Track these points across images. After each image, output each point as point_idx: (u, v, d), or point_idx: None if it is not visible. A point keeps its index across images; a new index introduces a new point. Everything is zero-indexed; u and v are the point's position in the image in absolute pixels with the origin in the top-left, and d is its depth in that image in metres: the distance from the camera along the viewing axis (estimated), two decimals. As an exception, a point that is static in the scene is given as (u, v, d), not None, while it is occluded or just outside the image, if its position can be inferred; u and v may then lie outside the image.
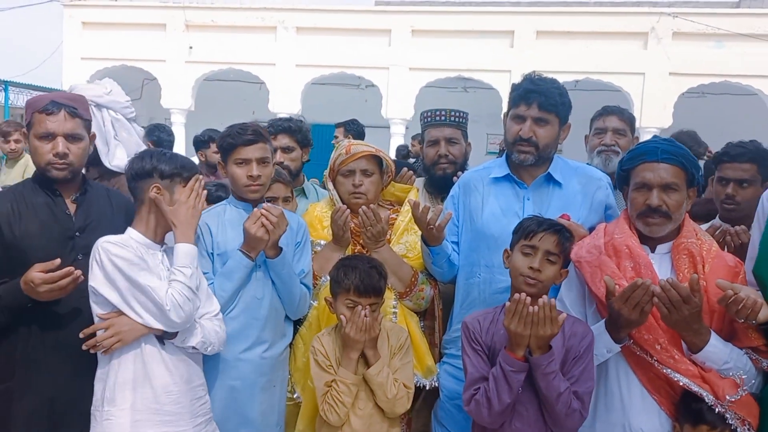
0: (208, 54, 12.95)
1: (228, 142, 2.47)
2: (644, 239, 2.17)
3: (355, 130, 5.84)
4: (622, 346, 2.08)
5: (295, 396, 2.60)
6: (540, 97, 2.40)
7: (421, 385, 2.55)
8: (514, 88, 2.51)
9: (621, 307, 1.96)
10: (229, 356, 2.40)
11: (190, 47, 13.02)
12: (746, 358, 2.02)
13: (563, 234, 2.12)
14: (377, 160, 2.69)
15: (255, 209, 2.39)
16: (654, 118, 11.95)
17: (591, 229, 2.32)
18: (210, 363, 2.36)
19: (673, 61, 11.99)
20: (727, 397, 1.95)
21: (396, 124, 12.57)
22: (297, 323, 2.64)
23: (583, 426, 2.11)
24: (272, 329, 2.49)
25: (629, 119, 3.21)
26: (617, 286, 2.00)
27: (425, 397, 2.66)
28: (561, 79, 2.77)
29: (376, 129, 13.55)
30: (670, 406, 2.08)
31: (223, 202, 2.61)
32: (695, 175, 2.16)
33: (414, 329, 2.59)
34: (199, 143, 5.37)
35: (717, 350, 2.00)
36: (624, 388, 2.13)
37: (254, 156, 2.44)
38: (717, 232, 2.52)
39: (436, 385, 2.59)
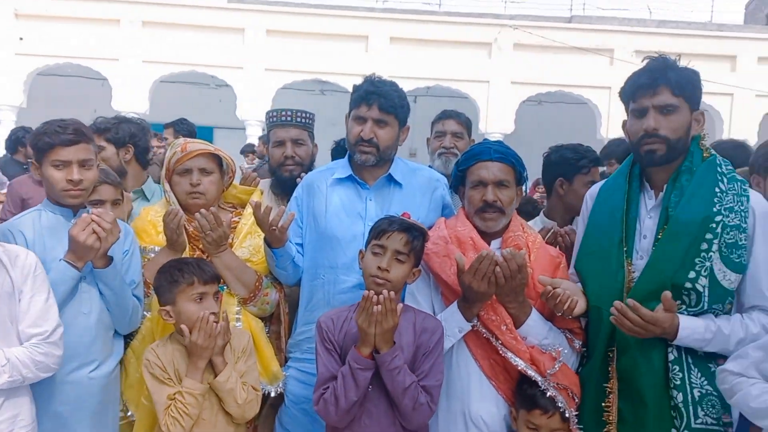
0: (41, 46, 11.89)
1: (44, 141, 2.22)
2: (480, 235, 2.29)
3: (186, 129, 5.50)
4: (468, 331, 2.17)
5: (128, 414, 2.42)
6: (380, 99, 2.43)
7: (267, 392, 2.48)
8: (355, 89, 2.52)
9: (471, 280, 2.07)
10: (54, 379, 2.16)
11: (20, 38, 11.89)
12: (563, 337, 2.22)
13: (412, 233, 2.15)
14: (217, 159, 2.58)
15: (84, 215, 2.19)
16: (498, 124, 12.72)
17: (429, 228, 2.39)
18: (34, 388, 2.12)
19: (514, 70, 12.84)
20: (548, 371, 2.12)
21: (252, 126, 12.32)
22: (128, 336, 2.46)
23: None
24: (101, 346, 2.29)
25: (466, 123, 3.35)
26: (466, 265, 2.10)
27: (272, 404, 2.60)
28: (413, 85, 2.85)
29: (232, 130, 13.21)
30: (508, 392, 2.21)
31: (37, 207, 2.36)
32: (522, 174, 2.32)
33: (259, 335, 2.51)
34: (18, 142, 4.84)
35: (537, 325, 2.17)
36: (464, 376, 2.22)
37: (75, 158, 2.23)
38: (549, 234, 2.69)
39: (282, 391, 2.53)
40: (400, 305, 2.03)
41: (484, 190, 2.24)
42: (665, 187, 2.11)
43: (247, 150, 9.91)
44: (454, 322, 2.17)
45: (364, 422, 2.09)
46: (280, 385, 2.53)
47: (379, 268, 2.09)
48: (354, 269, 2.38)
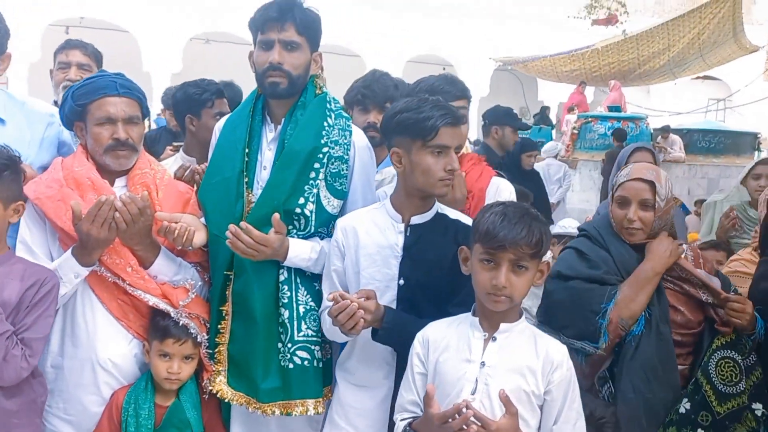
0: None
1: None
2: (103, 173, 2.19)
3: None
4: (90, 275, 2.08)
5: None
6: None
7: None
8: None
9: (89, 228, 1.97)
10: None
11: None
12: (194, 270, 2.27)
13: None
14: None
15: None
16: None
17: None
18: None
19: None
20: (180, 303, 2.16)
21: None
22: None
23: (53, 367, 2.13)
24: None
25: (94, 54, 3.09)
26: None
27: None
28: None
29: None
30: (140, 329, 2.19)
31: None
32: (147, 108, 2.30)
33: None
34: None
35: (166, 263, 2.19)
36: (90, 321, 2.14)
37: None
38: (187, 173, 2.64)
39: None
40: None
41: (114, 128, 2.14)
42: (283, 120, 2.25)
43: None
44: (68, 269, 2.05)
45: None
46: None
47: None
48: None
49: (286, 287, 2.17)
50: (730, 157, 12.57)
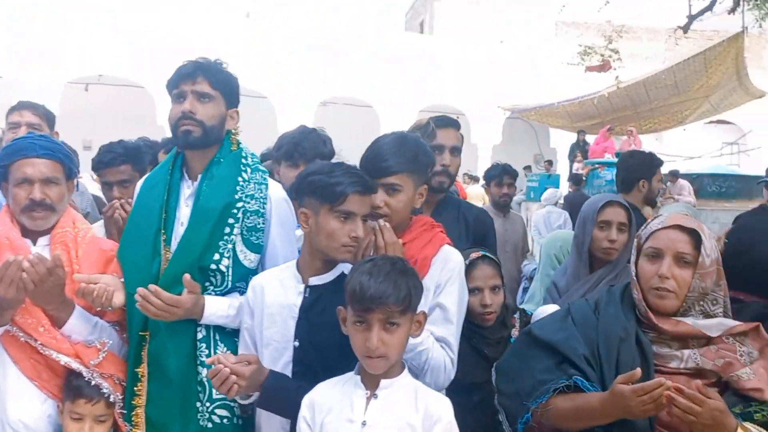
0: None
1: None
2: (26, 233, 2.22)
3: None
4: (3, 334, 2.07)
5: None
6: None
7: None
8: None
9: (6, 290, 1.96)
10: None
11: None
12: (111, 329, 2.24)
13: None
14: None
15: None
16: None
17: None
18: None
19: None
20: (91, 362, 2.13)
21: None
22: None
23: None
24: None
25: (45, 114, 3.15)
26: None
27: None
28: None
29: None
30: (55, 389, 2.15)
31: None
32: (72, 169, 2.31)
33: None
34: None
35: (80, 323, 2.16)
36: (0, 379, 2.11)
37: None
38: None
39: None
40: None
41: (31, 188, 2.16)
42: (200, 176, 2.26)
43: None
44: None
45: None
46: None
47: None
48: None
49: (204, 345, 2.15)
50: (742, 201, 12.35)
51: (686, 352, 1.76)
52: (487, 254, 2.54)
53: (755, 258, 2.07)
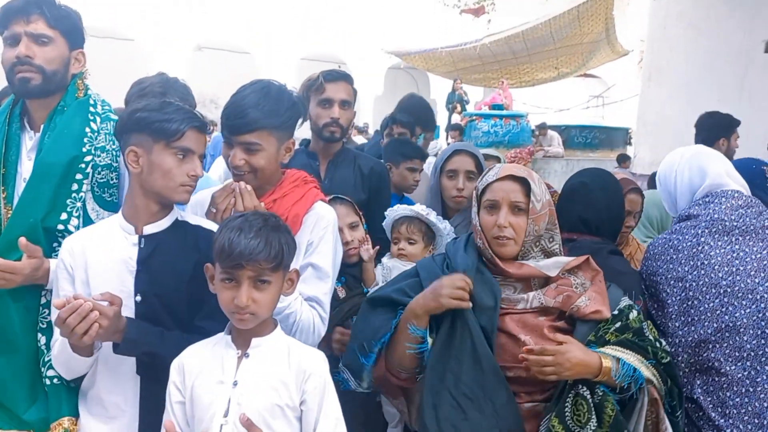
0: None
1: None
2: None
3: None
4: None
5: None
6: None
7: None
8: None
9: None
10: None
11: None
12: None
13: None
14: None
15: None
16: None
17: None
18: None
19: None
20: None
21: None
22: None
23: None
24: None
25: None
26: None
27: None
28: None
29: None
30: None
31: None
32: None
33: None
34: None
35: None
36: None
37: None
38: None
39: None
40: None
41: None
42: (42, 126, 2.04)
43: None
44: None
45: None
46: None
47: None
48: None
49: (47, 311, 1.97)
50: (604, 151, 13.26)
51: (531, 294, 1.87)
52: (339, 195, 2.54)
53: (590, 201, 2.29)
